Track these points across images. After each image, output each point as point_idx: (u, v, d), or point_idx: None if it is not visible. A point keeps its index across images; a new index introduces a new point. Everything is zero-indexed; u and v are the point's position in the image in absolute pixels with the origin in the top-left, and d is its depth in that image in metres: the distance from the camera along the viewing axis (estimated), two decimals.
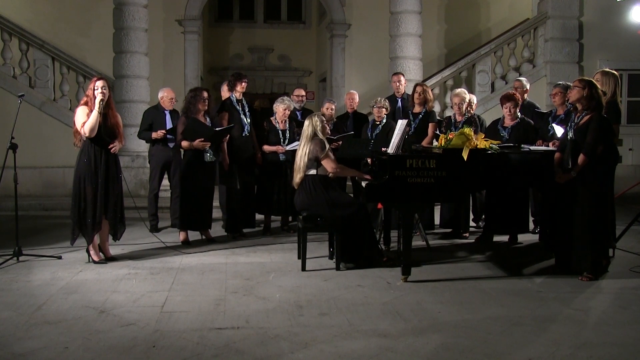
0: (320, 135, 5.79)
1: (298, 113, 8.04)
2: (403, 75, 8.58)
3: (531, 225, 7.44)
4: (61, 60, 10.47)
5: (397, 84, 8.31)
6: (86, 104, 5.83)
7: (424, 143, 7.14)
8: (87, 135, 5.75)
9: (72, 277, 5.40)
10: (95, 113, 5.74)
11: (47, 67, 10.40)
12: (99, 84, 5.83)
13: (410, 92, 8.72)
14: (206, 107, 6.84)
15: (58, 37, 11.35)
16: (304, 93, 8.36)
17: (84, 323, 4.16)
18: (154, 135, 7.59)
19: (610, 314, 4.42)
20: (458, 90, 7.42)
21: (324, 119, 5.97)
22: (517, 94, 7.04)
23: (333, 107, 7.88)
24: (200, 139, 6.66)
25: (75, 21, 12.13)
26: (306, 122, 5.89)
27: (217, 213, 7.99)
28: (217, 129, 6.80)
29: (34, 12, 11.88)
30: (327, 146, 5.77)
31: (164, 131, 7.53)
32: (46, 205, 9.60)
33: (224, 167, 7.18)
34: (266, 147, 7.38)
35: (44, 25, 11.55)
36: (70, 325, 4.12)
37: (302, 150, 5.82)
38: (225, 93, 7.54)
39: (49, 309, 4.49)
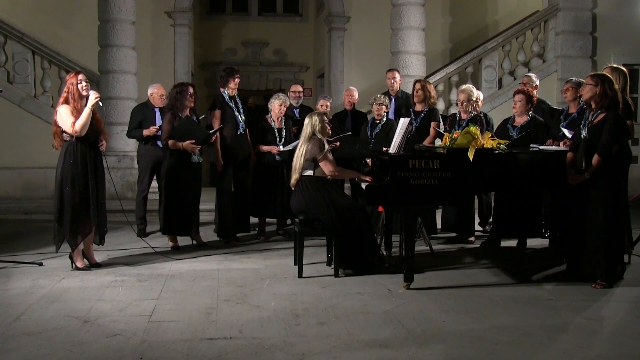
0: (319, 135, 5.80)
1: (295, 111, 8.03)
2: (398, 72, 8.57)
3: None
4: (42, 54, 10.45)
5: (392, 80, 8.28)
6: (67, 101, 5.80)
7: (426, 142, 7.14)
8: (77, 133, 5.74)
9: (54, 285, 5.39)
10: (87, 111, 5.75)
11: (27, 61, 10.37)
12: (82, 77, 5.84)
13: (406, 90, 8.76)
14: (192, 104, 6.84)
15: (39, 29, 11.31)
16: (301, 89, 8.31)
17: (67, 334, 4.15)
18: (146, 132, 7.57)
19: (626, 324, 4.42)
20: (464, 86, 7.40)
21: (326, 118, 5.97)
22: (530, 89, 7.05)
23: (328, 103, 7.86)
24: (190, 141, 6.66)
25: (57, 12, 12.10)
26: (306, 121, 5.91)
27: (209, 216, 8.00)
28: (210, 130, 6.80)
29: (12, 2, 11.84)
30: (327, 147, 5.77)
31: (156, 127, 7.52)
32: (26, 208, 9.58)
33: (217, 168, 7.17)
34: (263, 147, 7.37)
35: (24, 17, 11.51)
36: (52, 336, 4.11)
37: (300, 150, 5.83)
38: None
39: (29, 319, 4.47)
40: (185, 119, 6.73)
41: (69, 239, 5.84)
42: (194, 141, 6.67)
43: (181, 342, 3.99)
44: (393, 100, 8.18)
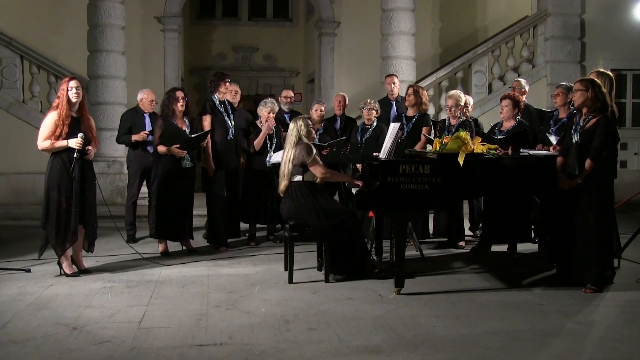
0: (305, 140, 5.80)
1: (286, 116, 8.01)
2: (397, 77, 8.59)
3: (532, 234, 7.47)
4: (31, 59, 10.41)
5: (391, 85, 8.31)
6: (58, 107, 5.76)
7: (417, 147, 7.15)
8: (39, 148, 5.75)
9: (42, 292, 5.34)
10: (63, 143, 5.69)
11: (16, 66, 10.34)
12: (73, 84, 5.77)
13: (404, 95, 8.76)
14: (183, 109, 6.80)
15: (27, 34, 11.27)
16: (292, 94, 8.32)
17: (55, 341, 4.11)
18: (135, 137, 7.54)
19: (616, 328, 4.44)
20: (452, 92, 7.43)
21: (310, 122, 5.97)
22: (517, 94, 7.07)
23: (323, 108, 7.86)
24: (176, 145, 6.64)
25: (47, 17, 12.07)
26: (291, 126, 5.91)
27: (199, 222, 7.97)
28: (192, 135, 6.75)
29: (0, 6, 11.79)
30: (314, 150, 5.77)
31: (147, 132, 7.49)
32: (14, 214, 9.52)
33: (208, 173, 7.14)
34: (257, 141, 7.34)
35: (12, 21, 11.46)
36: (40, 344, 4.07)
37: (287, 156, 5.82)
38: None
39: (16, 326, 4.43)
40: (167, 124, 6.70)
41: (55, 245, 5.80)
42: (179, 145, 6.65)
43: (171, 349, 3.96)
44: (394, 105, 8.20)
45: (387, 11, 10.96)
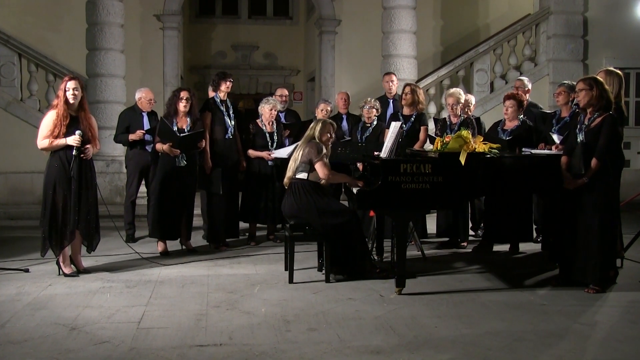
0: (316, 140, 5.84)
1: (281, 114, 8.01)
2: (395, 75, 8.59)
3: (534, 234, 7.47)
4: (29, 57, 10.39)
5: (389, 84, 8.31)
6: (57, 106, 5.75)
7: (416, 147, 7.15)
8: (39, 147, 5.76)
9: (41, 292, 5.34)
10: (62, 141, 5.70)
11: (14, 64, 10.32)
12: (71, 84, 5.76)
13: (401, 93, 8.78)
14: (187, 109, 6.80)
15: (26, 32, 11.28)
16: (287, 93, 8.32)
17: (53, 341, 4.12)
18: (132, 136, 7.54)
19: (619, 329, 4.44)
20: (452, 90, 7.42)
21: (332, 129, 5.99)
22: (521, 94, 7.07)
23: (329, 108, 7.86)
24: (169, 144, 6.65)
25: (45, 15, 12.06)
26: (312, 124, 6.03)
27: (198, 221, 7.97)
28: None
29: None
30: (324, 151, 5.80)
31: (143, 131, 7.49)
32: (12, 213, 9.51)
33: (206, 171, 7.15)
34: (252, 152, 7.36)
35: (10, 19, 11.47)
36: (38, 344, 4.07)
37: (298, 152, 5.89)
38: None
39: (14, 327, 4.43)
40: (160, 121, 6.77)
41: (52, 244, 5.80)
42: (171, 144, 6.67)
43: (170, 349, 3.96)
44: (391, 103, 8.20)
45: (388, 9, 10.95)
